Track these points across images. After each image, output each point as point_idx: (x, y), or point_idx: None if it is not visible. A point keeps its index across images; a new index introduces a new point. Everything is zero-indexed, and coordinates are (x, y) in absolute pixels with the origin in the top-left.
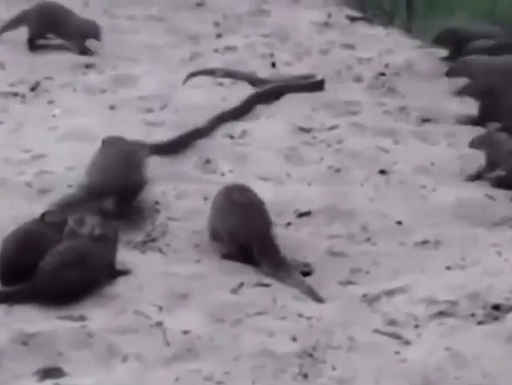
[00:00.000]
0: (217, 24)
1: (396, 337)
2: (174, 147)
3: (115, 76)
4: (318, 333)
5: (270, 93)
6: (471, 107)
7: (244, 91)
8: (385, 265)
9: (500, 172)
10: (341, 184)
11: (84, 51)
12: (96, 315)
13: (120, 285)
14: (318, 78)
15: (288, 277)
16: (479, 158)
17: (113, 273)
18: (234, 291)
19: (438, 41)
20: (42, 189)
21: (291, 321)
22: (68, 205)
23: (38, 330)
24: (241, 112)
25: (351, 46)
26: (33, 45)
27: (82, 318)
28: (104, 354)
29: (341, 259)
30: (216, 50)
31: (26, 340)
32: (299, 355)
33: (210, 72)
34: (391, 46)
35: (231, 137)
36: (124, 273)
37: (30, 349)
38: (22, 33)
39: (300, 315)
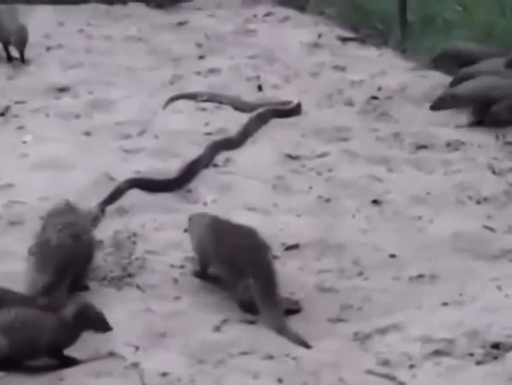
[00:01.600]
0: (199, 45)
1: (390, 378)
2: (178, 182)
3: (90, 100)
4: (305, 374)
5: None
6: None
7: (228, 115)
8: (378, 302)
9: None
10: (331, 215)
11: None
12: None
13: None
14: (295, 102)
15: (271, 318)
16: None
17: (57, 356)
18: (216, 329)
19: (437, 62)
20: (12, 221)
21: (277, 361)
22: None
23: (6, 373)
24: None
25: (342, 68)
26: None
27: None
28: None
29: (331, 295)
30: (198, 73)
31: None
32: None
33: (192, 96)
34: (384, 67)
35: (214, 165)
36: (70, 362)
37: None
38: None
39: (287, 355)
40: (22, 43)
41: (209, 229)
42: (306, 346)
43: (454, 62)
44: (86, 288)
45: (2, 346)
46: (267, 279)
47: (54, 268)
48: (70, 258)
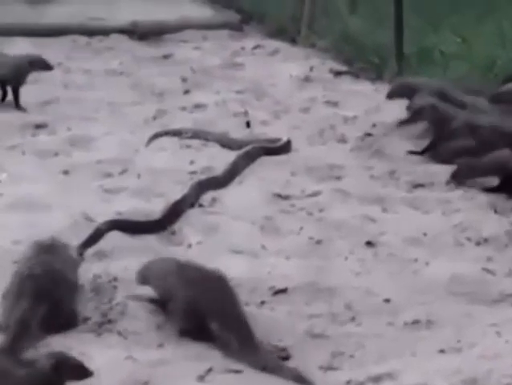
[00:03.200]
0: (184, 79)
1: None
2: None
3: (69, 137)
4: None
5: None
6: None
7: (214, 153)
8: (371, 348)
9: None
10: (323, 257)
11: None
12: None
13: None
14: (284, 139)
15: (265, 362)
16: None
17: None
18: (201, 379)
19: (391, 95)
20: None
21: None
22: None
23: None
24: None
25: (334, 104)
26: None
27: None
28: None
29: (322, 341)
30: (183, 108)
31: None
32: None
33: (177, 133)
34: (379, 103)
35: (200, 205)
36: None
37: None
38: None
39: None
40: (20, 81)
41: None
42: (308, 382)
43: (405, 95)
44: (71, 324)
45: None
46: (240, 327)
47: (28, 297)
48: (43, 288)
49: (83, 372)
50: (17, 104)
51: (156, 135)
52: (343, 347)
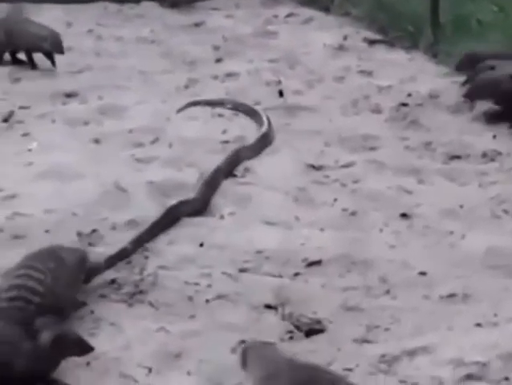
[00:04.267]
0: (216, 47)
1: None
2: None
3: (100, 106)
4: None
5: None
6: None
7: (246, 122)
8: (406, 322)
9: None
10: (357, 229)
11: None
12: (76, 378)
13: (103, 343)
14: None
15: None
16: None
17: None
18: (233, 350)
19: (460, 68)
20: (16, 235)
21: None
22: None
23: None
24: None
25: (369, 73)
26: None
27: (57, 382)
28: None
29: (356, 314)
30: (215, 77)
31: None
32: None
33: (216, 103)
34: (414, 72)
35: (233, 176)
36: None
37: None
38: None
39: None
40: (59, 48)
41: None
42: None
43: (473, 67)
44: None
45: None
46: None
47: None
48: None
49: (83, 347)
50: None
51: (193, 104)
52: (378, 320)
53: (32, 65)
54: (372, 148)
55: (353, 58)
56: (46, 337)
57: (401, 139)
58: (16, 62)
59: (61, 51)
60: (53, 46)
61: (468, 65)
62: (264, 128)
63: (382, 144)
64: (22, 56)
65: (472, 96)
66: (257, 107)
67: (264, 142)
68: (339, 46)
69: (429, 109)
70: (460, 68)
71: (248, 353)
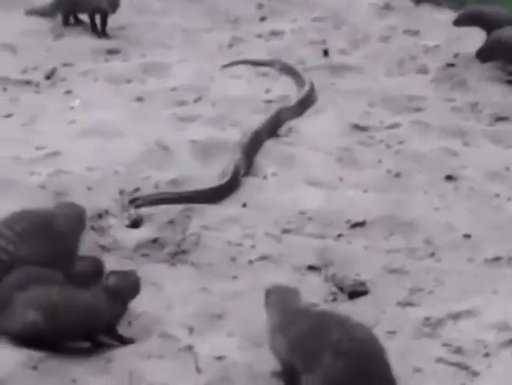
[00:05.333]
0: (260, 5)
1: (463, 367)
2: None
3: (143, 64)
4: None
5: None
6: None
7: (290, 82)
8: (451, 285)
9: None
10: (401, 190)
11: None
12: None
13: (145, 302)
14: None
15: None
16: None
17: (112, 335)
18: None
19: (459, 23)
20: (58, 192)
21: None
22: None
23: (50, 354)
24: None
25: (415, 33)
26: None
27: (98, 340)
28: (126, 381)
29: (400, 277)
30: (259, 36)
31: (36, 365)
32: None
33: (266, 64)
34: (461, 33)
35: (276, 136)
36: (127, 341)
37: (40, 375)
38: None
39: None
40: (115, 8)
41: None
42: None
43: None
44: None
45: (41, 326)
46: None
47: None
48: None
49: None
50: (103, 30)
51: (235, 63)
52: (422, 283)
53: (94, 27)
54: (418, 109)
55: (399, 17)
56: (112, 281)
57: (447, 100)
58: (78, 23)
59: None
60: (111, 8)
61: (468, 22)
62: (307, 88)
63: (427, 105)
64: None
65: (482, 57)
66: (298, 67)
67: (307, 102)
68: (385, 5)
69: (476, 70)
70: (458, 23)
71: (270, 295)
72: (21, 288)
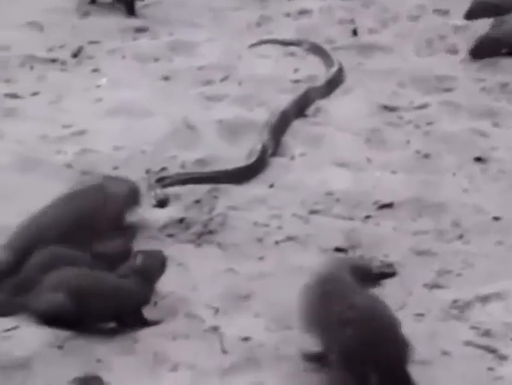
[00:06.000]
0: None
1: (491, 350)
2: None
3: (170, 42)
4: None
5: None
6: None
7: (318, 61)
8: (479, 267)
9: None
10: (430, 172)
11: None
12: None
13: (171, 283)
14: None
15: None
16: None
17: (138, 319)
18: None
19: (470, 16)
20: (85, 171)
21: None
22: None
23: (75, 334)
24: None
25: (445, 12)
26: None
27: (125, 322)
28: (151, 361)
29: (428, 259)
30: (287, 14)
31: (61, 344)
32: None
33: (294, 43)
34: None
35: (304, 116)
36: (152, 323)
37: (65, 354)
38: None
39: None
40: None
41: None
42: None
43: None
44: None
45: (67, 308)
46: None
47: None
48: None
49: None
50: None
51: (263, 42)
52: (450, 265)
53: (129, 10)
54: (447, 90)
55: None
56: (139, 260)
57: (477, 80)
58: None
59: None
60: None
61: (479, 13)
62: (335, 68)
63: (457, 86)
64: None
65: (476, 55)
66: (326, 46)
67: (335, 82)
68: None
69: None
70: (470, 16)
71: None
72: (48, 268)
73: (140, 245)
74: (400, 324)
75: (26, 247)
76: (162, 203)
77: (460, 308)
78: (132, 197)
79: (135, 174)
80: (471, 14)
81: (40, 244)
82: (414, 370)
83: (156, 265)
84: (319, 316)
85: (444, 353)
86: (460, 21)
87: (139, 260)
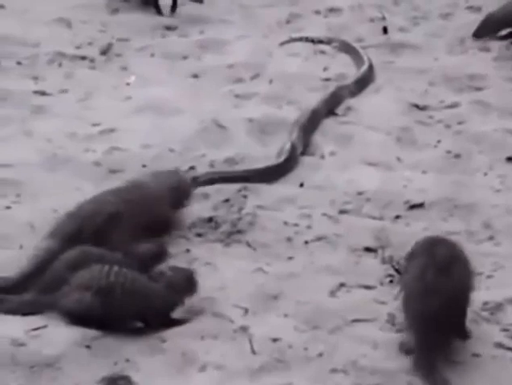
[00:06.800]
0: None
1: None
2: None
3: (199, 40)
4: None
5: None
6: None
7: (348, 60)
8: (510, 269)
9: None
10: (461, 172)
11: (158, 10)
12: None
13: (199, 282)
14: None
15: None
16: None
17: (165, 321)
18: (333, 294)
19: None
20: (113, 169)
21: (399, 331)
22: None
23: (103, 333)
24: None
25: (477, 9)
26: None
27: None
28: (179, 362)
29: None
30: (317, 12)
31: (89, 343)
32: (409, 371)
33: (325, 41)
34: None
35: (334, 114)
36: (180, 322)
37: (93, 354)
38: None
39: None
40: None
41: None
42: None
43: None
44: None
45: (96, 307)
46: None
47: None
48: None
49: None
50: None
51: (294, 40)
52: (481, 267)
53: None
54: (479, 89)
55: None
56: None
57: (509, 79)
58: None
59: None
60: None
61: (487, 30)
62: (365, 66)
63: (489, 85)
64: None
65: (479, 34)
66: (356, 45)
67: (365, 80)
68: None
69: None
70: (478, 35)
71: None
72: (78, 267)
73: (169, 243)
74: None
75: (73, 234)
76: None
77: (490, 310)
78: (181, 193)
79: None
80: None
81: (86, 231)
82: (445, 372)
83: (184, 284)
84: None
85: (475, 355)
86: None
87: (168, 275)
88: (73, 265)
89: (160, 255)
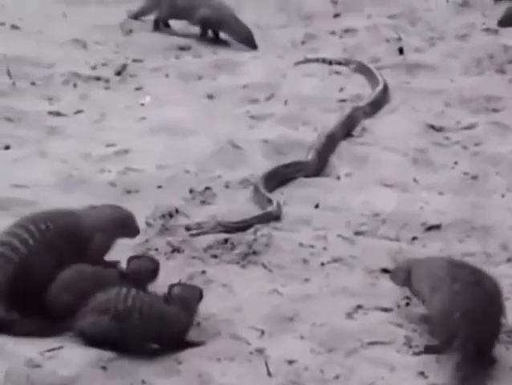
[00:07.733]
0: (334, 1)
1: None
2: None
3: (214, 61)
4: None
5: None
6: None
7: (364, 80)
8: None
9: None
10: (478, 193)
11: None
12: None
13: (214, 304)
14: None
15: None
16: None
17: (181, 344)
18: (349, 316)
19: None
20: (128, 189)
21: (417, 353)
22: None
23: (119, 354)
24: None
25: (494, 31)
26: (157, 26)
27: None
28: (195, 383)
29: None
30: (333, 33)
31: (105, 365)
32: None
33: (340, 62)
34: None
35: (350, 135)
36: (195, 344)
37: (109, 375)
38: (107, 9)
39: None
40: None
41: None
42: None
43: None
44: None
45: (112, 331)
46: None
47: None
48: None
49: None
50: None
51: (308, 60)
52: None
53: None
54: (495, 110)
55: (477, 14)
56: (176, 292)
57: None
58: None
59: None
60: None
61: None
62: (380, 87)
63: (506, 106)
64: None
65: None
66: (372, 65)
67: (380, 101)
68: (463, 2)
69: None
70: (503, 24)
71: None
72: (75, 286)
73: (184, 265)
74: None
75: None
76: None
77: (508, 333)
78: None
79: (179, 193)
80: (504, 23)
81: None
82: None
83: (192, 298)
84: None
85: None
86: (509, 40)
87: (176, 291)
88: (70, 286)
89: (154, 271)
